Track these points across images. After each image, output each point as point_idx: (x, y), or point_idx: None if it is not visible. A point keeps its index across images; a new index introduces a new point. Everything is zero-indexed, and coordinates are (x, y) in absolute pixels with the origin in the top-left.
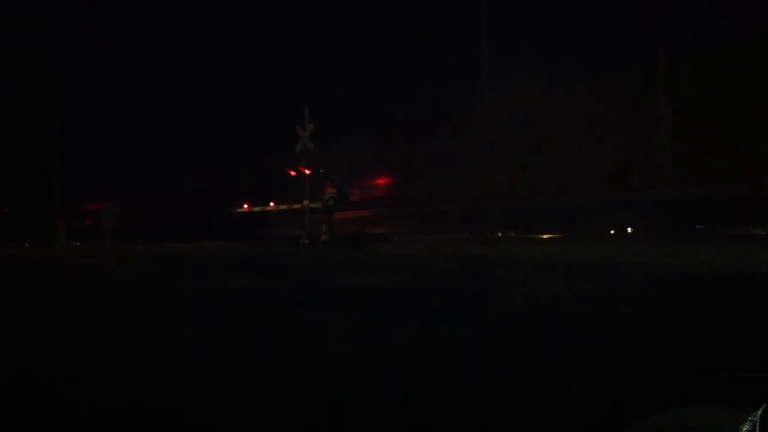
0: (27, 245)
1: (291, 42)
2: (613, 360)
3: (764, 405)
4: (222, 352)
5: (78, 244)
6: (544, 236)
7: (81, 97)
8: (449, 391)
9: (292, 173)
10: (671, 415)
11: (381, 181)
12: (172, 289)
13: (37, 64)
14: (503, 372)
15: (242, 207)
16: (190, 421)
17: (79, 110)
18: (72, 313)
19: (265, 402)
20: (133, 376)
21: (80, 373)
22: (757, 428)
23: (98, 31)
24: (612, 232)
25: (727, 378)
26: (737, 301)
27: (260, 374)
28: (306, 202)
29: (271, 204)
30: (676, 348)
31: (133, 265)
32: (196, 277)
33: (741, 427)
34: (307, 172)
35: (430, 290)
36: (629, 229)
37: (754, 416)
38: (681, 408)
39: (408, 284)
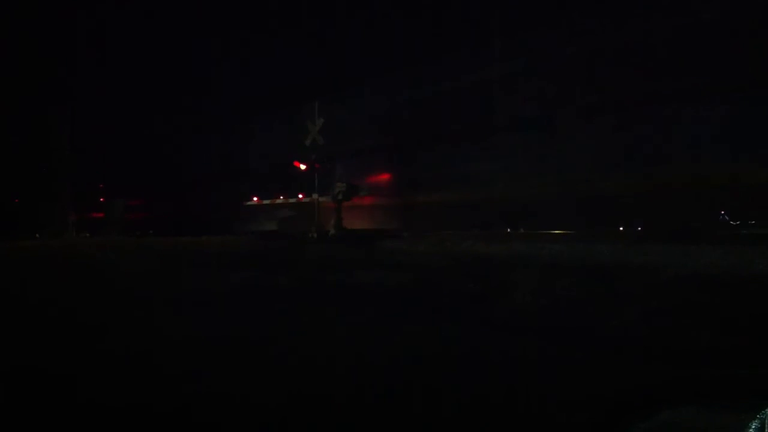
0: (37, 236)
1: (293, 36)
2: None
3: None
4: (230, 347)
5: (88, 235)
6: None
7: (93, 92)
8: (450, 389)
9: (302, 167)
10: (677, 413)
11: (390, 175)
12: (180, 286)
13: (52, 60)
14: (505, 372)
15: (251, 200)
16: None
17: (91, 105)
18: (85, 309)
19: (269, 394)
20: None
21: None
22: (766, 426)
23: (112, 30)
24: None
25: (733, 376)
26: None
27: (265, 368)
28: (315, 196)
29: (281, 197)
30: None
31: (142, 260)
32: (205, 273)
33: (749, 424)
34: (317, 165)
35: (438, 288)
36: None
37: (763, 414)
38: (687, 406)
39: (417, 282)
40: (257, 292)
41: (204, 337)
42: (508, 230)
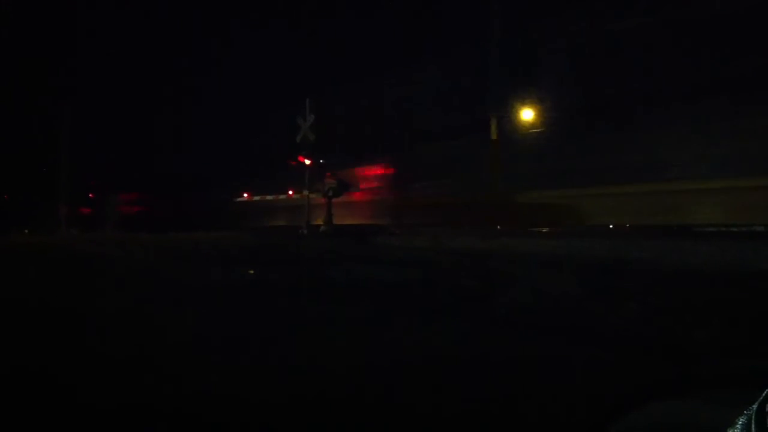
0: (26, 232)
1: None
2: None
3: (762, 397)
4: (228, 346)
5: (75, 232)
6: (544, 230)
7: (87, 87)
8: (450, 388)
9: (293, 163)
10: (669, 408)
11: (383, 171)
12: (175, 283)
13: (47, 55)
14: (502, 368)
15: (242, 196)
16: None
17: (84, 100)
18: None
19: (269, 394)
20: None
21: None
22: (753, 421)
23: (107, 28)
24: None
25: (723, 369)
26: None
27: (264, 367)
28: (306, 193)
29: (272, 194)
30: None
31: (137, 256)
32: (200, 269)
33: (737, 419)
34: (307, 162)
35: (434, 285)
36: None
37: (750, 410)
38: (678, 400)
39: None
40: (253, 290)
41: (202, 337)
42: None
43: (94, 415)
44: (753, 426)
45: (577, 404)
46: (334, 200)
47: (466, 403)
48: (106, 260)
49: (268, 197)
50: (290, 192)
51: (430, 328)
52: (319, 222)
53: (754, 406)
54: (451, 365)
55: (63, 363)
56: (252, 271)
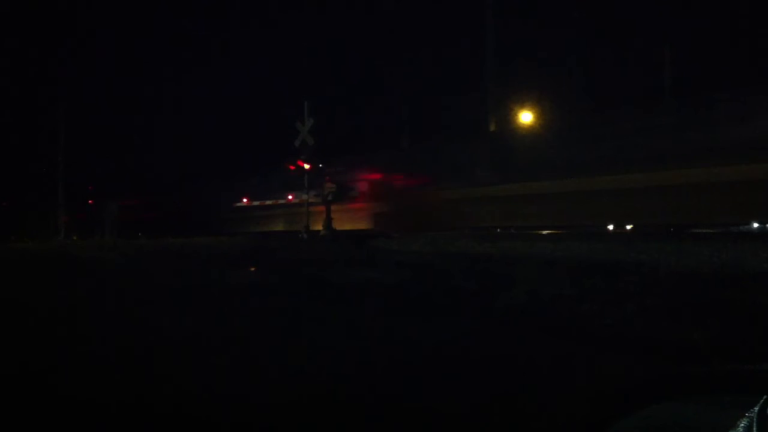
0: (27, 238)
1: (288, 35)
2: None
3: (762, 399)
4: (229, 346)
5: (75, 238)
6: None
7: (84, 94)
8: (448, 388)
9: (292, 168)
10: (668, 409)
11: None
12: (176, 286)
13: (43, 63)
14: (502, 368)
15: (241, 201)
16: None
17: (82, 107)
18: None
19: (269, 394)
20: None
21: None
22: (755, 423)
23: (102, 31)
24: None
25: (724, 371)
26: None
27: (264, 367)
28: (305, 197)
29: (271, 199)
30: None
31: (134, 259)
32: (201, 273)
33: (738, 421)
34: (307, 166)
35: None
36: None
37: (752, 412)
38: (676, 402)
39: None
40: (253, 291)
41: (203, 337)
42: None
43: (93, 415)
44: (754, 428)
45: (577, 404)
46: (333, 205)
47: (466, 402)
48: (104, 265)
49: (267, 202)
50: (290, 197)
51: (430, 328)
52: (319, 227)
53: (756, 408)
54: (449, 366)
55: (62, 363)
56: (253, 269)
